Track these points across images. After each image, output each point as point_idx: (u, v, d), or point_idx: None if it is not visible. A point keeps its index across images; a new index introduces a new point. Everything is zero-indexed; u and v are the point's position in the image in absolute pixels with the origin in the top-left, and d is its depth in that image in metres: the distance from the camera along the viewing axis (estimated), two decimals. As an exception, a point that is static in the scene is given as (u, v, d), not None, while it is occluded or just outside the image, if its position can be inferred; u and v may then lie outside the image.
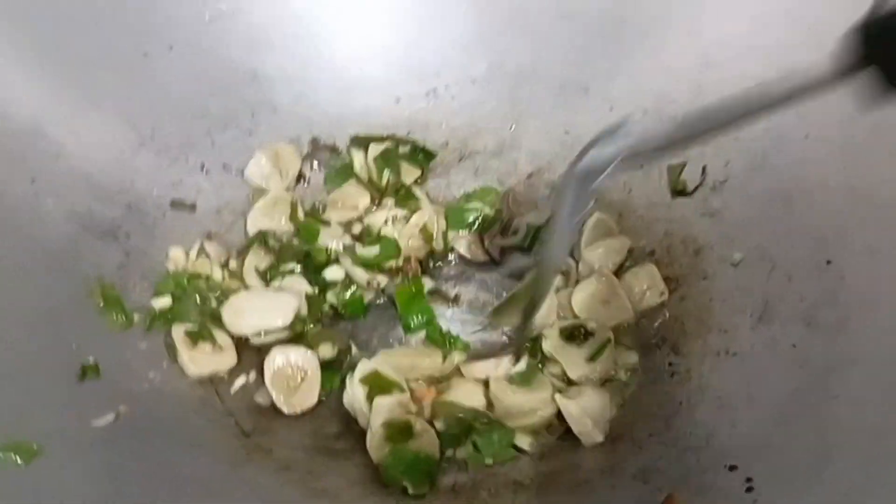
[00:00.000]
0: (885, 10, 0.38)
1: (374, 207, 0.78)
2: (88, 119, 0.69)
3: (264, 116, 0.77)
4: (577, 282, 0.73)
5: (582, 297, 0.71)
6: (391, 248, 0.74)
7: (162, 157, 0.73)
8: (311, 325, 0.70)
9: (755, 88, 0.42)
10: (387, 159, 0.78)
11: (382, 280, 0.73)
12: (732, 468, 0.53)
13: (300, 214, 0.76)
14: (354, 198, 0.78)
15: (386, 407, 0.62)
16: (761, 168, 0.67)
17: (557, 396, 0.64)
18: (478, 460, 0.61)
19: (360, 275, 0.73)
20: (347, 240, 0.75)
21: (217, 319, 0.68)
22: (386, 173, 0.78)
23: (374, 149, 0.79)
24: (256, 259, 0.73)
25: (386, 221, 0.76)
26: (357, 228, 0.76)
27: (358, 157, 0.79)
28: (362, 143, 0.79)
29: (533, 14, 0.78)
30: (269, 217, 0.75)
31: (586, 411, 0.62)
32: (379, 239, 0.74)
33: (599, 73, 0.77)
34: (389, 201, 0.78)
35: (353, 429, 0.65)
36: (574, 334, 0.68)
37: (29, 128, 0.65)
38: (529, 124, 0.79)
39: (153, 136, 0.72)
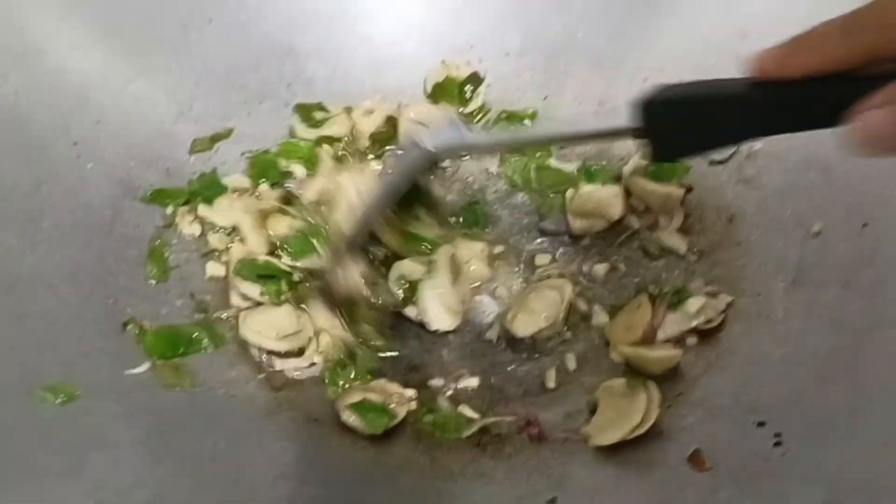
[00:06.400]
0: (660, 91, 0.42)
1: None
2: (130, 88, 0.71)
3: (300, 89, 0.78)
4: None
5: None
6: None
7: (200, 126, 0.74)
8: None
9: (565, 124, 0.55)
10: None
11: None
12: (761, 424, 0.52)
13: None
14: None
15: None
16: (796, 135, 0.66)
17: None
18: None
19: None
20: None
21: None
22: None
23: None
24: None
25: None
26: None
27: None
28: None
29: (568, -13, 0.78)
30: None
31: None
32: None
33: (635, 45, 0.77)
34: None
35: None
36: None
37: (74, 93, 0.68)
38: (564, 96, 0.79)
39: (192, 106, 0.74)
